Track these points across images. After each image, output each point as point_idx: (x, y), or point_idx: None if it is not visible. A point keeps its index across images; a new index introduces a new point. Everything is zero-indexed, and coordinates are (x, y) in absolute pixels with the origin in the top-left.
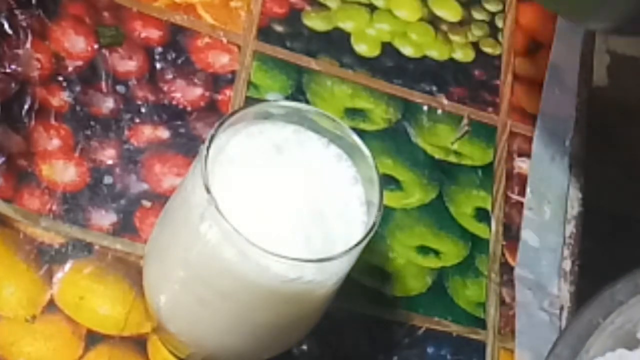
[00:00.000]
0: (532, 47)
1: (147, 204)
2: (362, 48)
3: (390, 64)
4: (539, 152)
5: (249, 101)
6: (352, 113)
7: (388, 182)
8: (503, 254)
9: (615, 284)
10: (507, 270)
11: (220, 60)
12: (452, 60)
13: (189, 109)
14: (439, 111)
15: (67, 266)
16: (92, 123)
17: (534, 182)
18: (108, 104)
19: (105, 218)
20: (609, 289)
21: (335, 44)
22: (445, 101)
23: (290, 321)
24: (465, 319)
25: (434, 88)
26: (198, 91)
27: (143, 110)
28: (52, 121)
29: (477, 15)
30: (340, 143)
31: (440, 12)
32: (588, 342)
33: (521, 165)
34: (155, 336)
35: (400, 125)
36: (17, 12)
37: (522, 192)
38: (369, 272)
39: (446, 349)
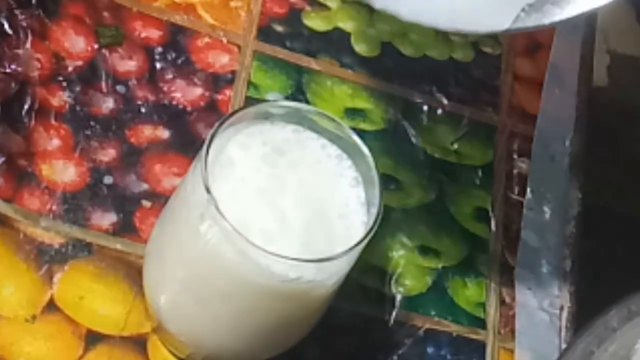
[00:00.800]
0: (532, 47)
1: (147, 204)
2: (362, 48)
3: (390, 64)
4: (539, 152)
5: (249, 101)
6: (352, 113)
7: (388, 182)
8: (503, 254)
9: (608, 312)
10: (507, 270)
11: (220, 60)
12: (452, 60)
13: (189, 109)
14: (439, 111)
15: (67, 266)
16: (92, 123)
17: (534, 182)
18: (108, 104)
19: (105, 218)
20: (602, 317)
21: (335, 43)
22: (445, 101)
23: (290, 321)
24: (466, 318)
25: (434, 88)
26: (198, 91)
27: (143, 110)
28: (52, 121)
29: None
30: (340, 143)
31: None
32: None
33: (521, 165)
34: (155, 336)
35: (400, 125)
36: (17, 12)
37: (522, 192)
38: (369, 273)
39: (446, 349)
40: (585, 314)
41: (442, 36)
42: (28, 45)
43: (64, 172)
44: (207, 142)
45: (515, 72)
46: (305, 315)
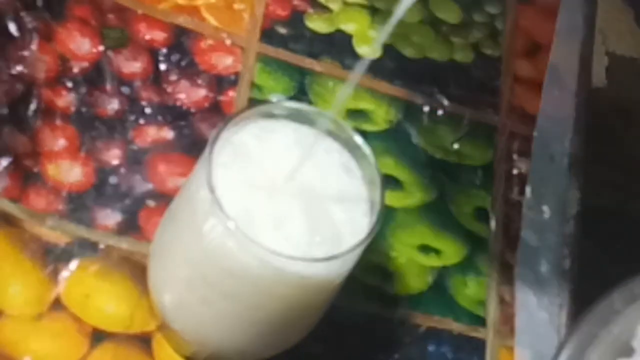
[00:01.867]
0: (532, 49)
1: (151, 203)
2: (364, 50)
3: (391, 66)
4: (538, 152)
5: (252, 102)
6: (354, 114)
7: (389, 182)
8: (503, 254)
9: (611, 294)
10: (507, 269)
11: (224, 62)
12: (452, 61)
13: (192, 110)
14: (440, 112)
15: (73, 265)
16: (97, 124)
17: (534, 182)
18: (113, 105)
19: (110, 217)
20: (605, 299)
21: (337, 45)
22: (445, 102)
23: (292, 319)
24: (466, 317)
25: (435, 89)
26: (202, 92)
27: (148, 111)
28: (58, 122)
29: (477, 17)
30: (342, 143)
31: (440, 14)
32: (586, 354)
33: (521, 165)
34: (160, 334)
35: (401, 126)
36: (23, 14)
37: (522, 192)
38: (371, 271)
39: (447, 347)
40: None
41: (442, 38)
42: (34, 47)
43: (70, 172)
44: (210, 142)
45: (515, 73)
46: (307, 314)
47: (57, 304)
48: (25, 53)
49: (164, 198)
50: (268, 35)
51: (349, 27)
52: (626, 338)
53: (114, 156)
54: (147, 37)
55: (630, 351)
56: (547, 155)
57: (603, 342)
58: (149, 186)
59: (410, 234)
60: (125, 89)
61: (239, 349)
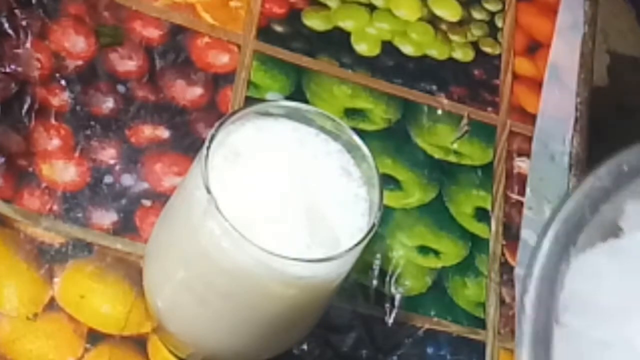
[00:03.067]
0: (532, 47)
1: (147, 203)
2: (362, 47)
3: (390, 64)
4: (538, 152)
5: (249, 101)
6: (352, 113)
7: (388, 182)
8: (503, 254)
9: (599, 168)
10: (507, 270)
11: (220, 60)
12: (452, 59)
13: (189, 108)
14: (439, 111)
15: (68, 266)
16: (92, 123)
17: (534, 181)
18: (108, 104)
19: (105, 217)
20: (592, 175)
21: (335, 43)
22: (445, 101)
23: (290, 321)
24: (465, 319)
25: (434, 87)
26: (198, 91)
27: (143, 109)
28: (52, 121)
29: (477, 14)
30: (341, 143)
31: (439, 12)
32: (573, 236)
33: (521, 164)
34: (156, 336)
35: (400, 125)
36: (17, 11)
37: (521, 192)
38: (369, 272)
39: (446, 349)
40: None
41: (442, 36)
42: (28, 45)
43: (64, 172)
44: (207, 142)
45: (515, 71)
46: (305, 315)
47: (52, 304)
48: (19, 51)
49: (160, 198)
50: (265, 33)
51: (347, 24)
52: (614, 217)
53: (109, 155)
54: (143, 35)
55: (618, 231)
56: (547, 154)
57: (591, 222)
58: (145, 186)
59: (409, 234)
60: (120, 88)
61: (235, 351)
